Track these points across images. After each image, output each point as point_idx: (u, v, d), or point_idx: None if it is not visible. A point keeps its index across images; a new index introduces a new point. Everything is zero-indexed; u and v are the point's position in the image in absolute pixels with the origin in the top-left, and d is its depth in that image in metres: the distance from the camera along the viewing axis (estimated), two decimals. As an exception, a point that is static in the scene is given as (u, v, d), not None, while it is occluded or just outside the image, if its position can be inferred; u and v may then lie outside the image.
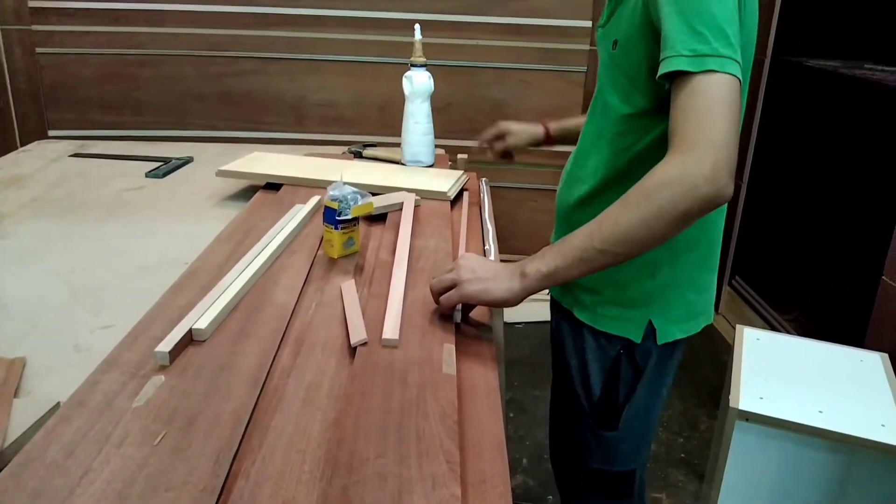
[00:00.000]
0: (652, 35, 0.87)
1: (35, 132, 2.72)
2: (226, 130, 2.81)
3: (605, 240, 0.84)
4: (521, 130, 1.43)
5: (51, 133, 2.74)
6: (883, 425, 1.30)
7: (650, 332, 1.04)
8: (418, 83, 1.60)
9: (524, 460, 2.13)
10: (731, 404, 1.35)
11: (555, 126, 1.41)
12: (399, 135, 1.70)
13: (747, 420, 1.35)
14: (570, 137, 1.37)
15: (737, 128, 0.81)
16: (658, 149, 0.93)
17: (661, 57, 0.83)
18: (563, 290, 1.14)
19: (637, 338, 1.05)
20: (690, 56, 0.80)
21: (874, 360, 1.54)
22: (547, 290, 1.00)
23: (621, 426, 1.09)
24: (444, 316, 0.96)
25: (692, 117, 0.80)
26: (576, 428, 1.15)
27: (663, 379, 1.10)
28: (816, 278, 2.41)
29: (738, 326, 1.64)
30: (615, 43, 0.96)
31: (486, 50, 2.72)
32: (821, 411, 1.34)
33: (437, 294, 0.95)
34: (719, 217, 1.06)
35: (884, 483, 1.41)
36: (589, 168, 1.04)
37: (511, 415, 2.35)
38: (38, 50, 2.68)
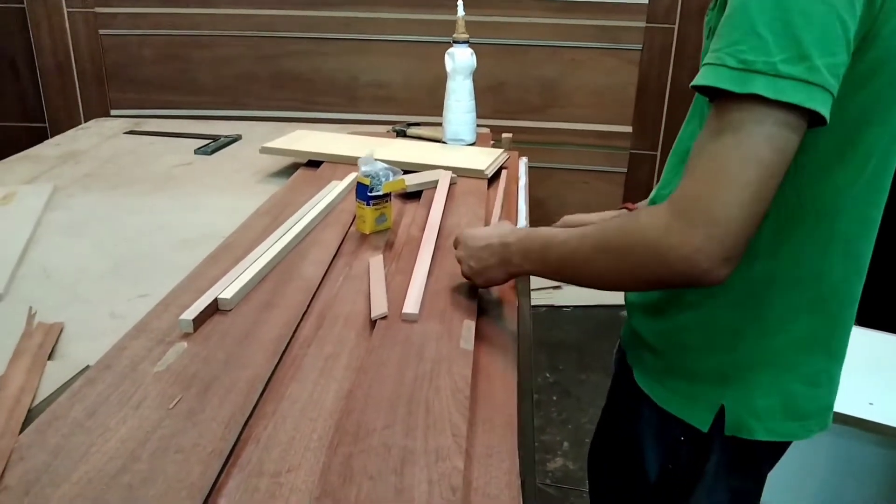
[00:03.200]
0: None
1: (98, 111, 2.82)
2: (278, 111, 2.86)
3: (577, 272, 0.76)
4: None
5: (112, 112, 2.83)
6: (939, 420, 1.24)
7: (720, 420, 0.80)
8: (460, 60, 1.59)
9: (565, 443, 2.11)
10: None
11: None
12: None
13: None
14: None
15: (762, 197, 0.60)
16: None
17: (703, 62, 0.64)
18: (629, 339, 0.93)
19: (704, 426, 0.81)
20: (735, 69, 0.59)
21: (934, 353, 1.46)
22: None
23: None
24: (471, 290, 0.96)
25: (700, 170, 0.62)
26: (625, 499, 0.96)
27: (744, 485, 0.86)
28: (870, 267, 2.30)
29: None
30: (711, 31, 0.72)
31: (537, 28, 2.67)
32: (871, 403, 1.28)
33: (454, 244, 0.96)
34: (853, 274, 0.79)
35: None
36: (672, 173, 0.86)
37: (554, 398, 2.33)
38: (101, 31, 2.77)
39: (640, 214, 0.68)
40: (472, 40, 1.62)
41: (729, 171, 0.59)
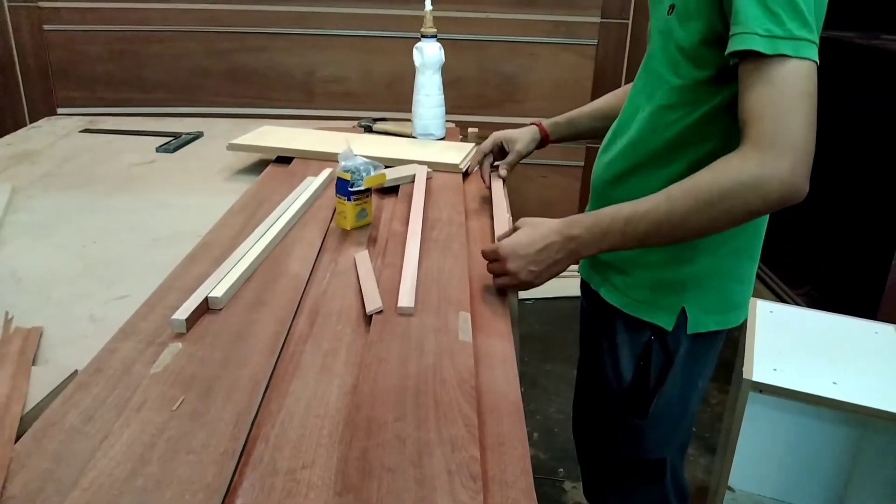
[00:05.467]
0: (715, 4, 0.83)
1: (44, 110, 2.71)
2: (234, 107, 2.80)
3: (671, 233, 0.84)
4: (523, 136, 1.31)
5: (60, 111, 2.73)
6: (898, 396, 1.30)
7: (682, 320, 0.99)
8: (429, 55, 1.59)
9: (535, 434, 2.14)
10: (745, 376, 1.35)
11: (550, 126, 1.32)
12: (408, 110, 1.69)
13: (761, 391, 1.34)
14: (565, 136, 1.31)
15: (814, 122, 0.77)
16: (706, 125, 0.91)
17: (732, 32, 0.79)
18: (592, 268, 1.11)
19: (668, 325, 1.00)
20: (764, 36, 0.76)
21: (888, 333, 1.53)
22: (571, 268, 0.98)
23: (651, 414, 1.05)
24: (461, 282, 0.96)
25: (770, 111, 0.76)
26: (605, 413, 1.12)
27: (697, 369, 1.05)
28: (828, 253, 2.40)
29: (751, 299, 1.63)
30: (672, 7, 0.91)
31: (495, 23, 2.69)
32: (835, 383, 1.33)
33: (486, 256, 0.97)
34: None
35: (897, 454, 1.41)
36: (629, 142, 1.00)
37: (522, 389, 2.35)
38: (46, 27, 2.67)
39: (728, 161, 0.80)
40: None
41: (793, 108, 0.76)
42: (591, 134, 1.30)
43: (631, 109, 1.03)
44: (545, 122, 1.32)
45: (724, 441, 1.49)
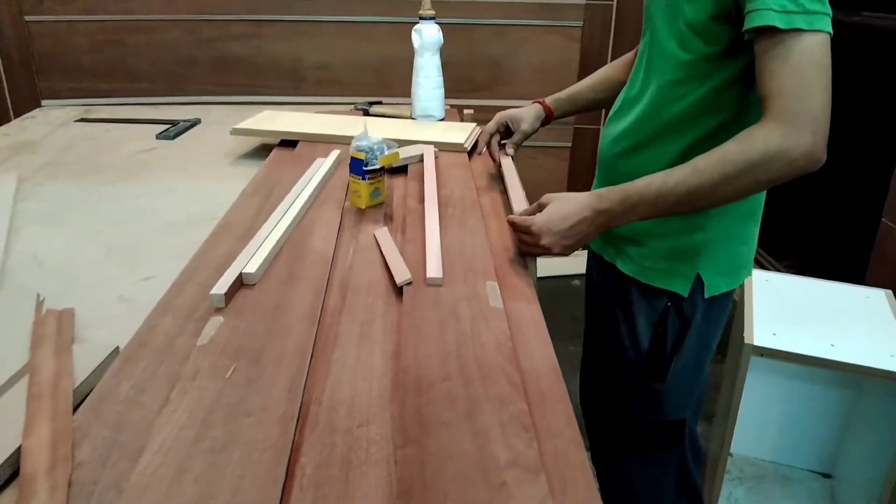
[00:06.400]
0: None
1: (28, 102, 2.68)
2: (221, 96, 2.79)
3: (698, 203, 0.88)
4: (528, 114, 1.32)
5: (44, 103, 2.70)
6: (892, 356, 1.35)
7: (698, 285, 1.03)
8: (428, 36, 1.60)
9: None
10: (746, 340, 1.40)
11: (553, 102, 1.33)
12: (397, 95, 1.71)
13: (762, 355, 1.39)
14: (568, 111, 1.33)
15: (830, 92, 0.81)
16: (715, 99, 0.94)
17: (748, 9, 0.83)
18: (603, 242, 1.14)
19: (684, 291, 1.04)
20: (780, 12, 0.80)
21: (879, 297, 1.59)
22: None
23: (670, 377, 1.08)
24: (483, 254, 0.99)
25: (790, 85, 0.80)
26: (622, 380, 1.14)
27: (711, 331, 1.09)
28: (813, 224, 2.47)
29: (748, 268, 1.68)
30: None
31: (482, 6, 2.71)
32: (832, 345, 1.39)
33: (518, 230, 1.00)
34: None
35: (891, 413, 1.47)
36: (637, 117, 1.03)
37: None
38: (27, 17, 2.63)
39: (753, 134, 0.83)
40: (415, 20, 1.63)
41: (812, 80, 0.80)
42: (593, 106, 1.34)
43: (637, 85, 1.06)
44: (547, 100, 1.35)
45: (726, 407, 1.54)
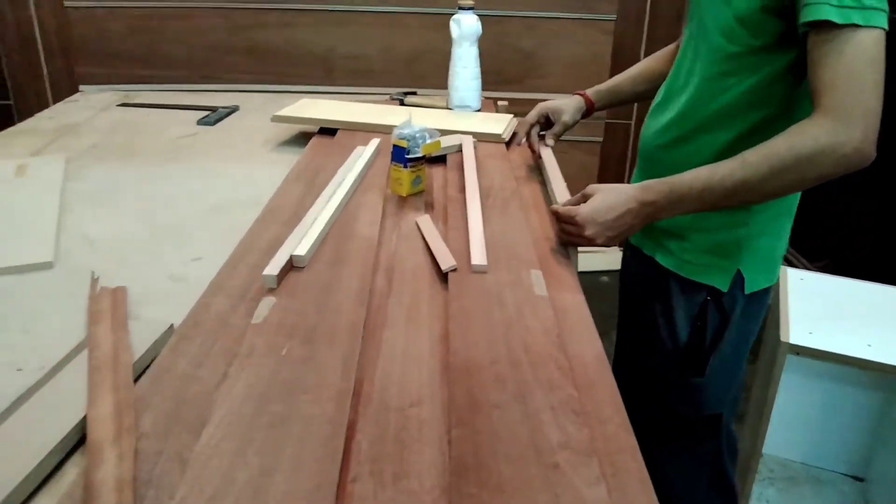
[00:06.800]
0: None
1: (66, 87, 2.73)
2: (254, 84, 2.81)
3: (744, 197, 0.88)
4: (569, 106, 1.31)
5: (81, 88, 2.74)
6: (930, 357, 1.34)
7: (738, 280, 1.03)
8: (466, 26, 1.61)
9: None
10: (782, 339, 1.39)
11: (594, 94, 1.33)
12: (429, 86, 1.71)
13: (798, 354, 1.39)
14: (609, 103, 1.33)
15: (882, 88, 0.81)
16: (762, 92, 0.94)
17: (804, 2, 0.82)
18: (644, 235, 1.14)
19: (724, 287, 1.04)
20: (836, 6, 0.79)
21: (916, 298, 1.58)
22: None
23: (708, 372, 1.08)
24: (526, 243, 1.00)
25: (843, 81, 0.80)
26: (659, 373, 1.14)
27: (750, 326, 1.09)
28: (845, 225, 2.44)
29: (781, 268, 1.67)
30: None
31: (513, -1, 2.70)
32: (869, 345, 1.38)
33: (562, 220, 1.00)
34: None
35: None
36: (681, 109, 1.03)
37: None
38: (67, 4, 2.67)
39: (803, 129, 0.83)
40: (451, 11, 1.63)
41: (865, 76, 0.80)
42: (634, 98, 1.33)
43: (682, 76, 1.05)
44: (588, 91, 1.35)
45: (759, 406, 1.53)
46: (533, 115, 1.35)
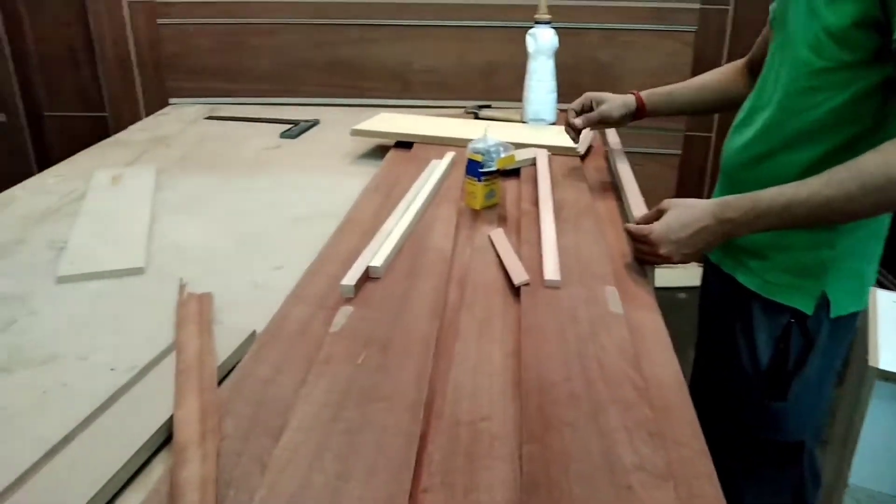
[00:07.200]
0: None
1: (157, 101, 2.87)
2: (332, 97, 2.88)
3: (829, 217, 0.86)
4: (613, 98, 1.29)
5: (171, 101, 2.88)
6: None
7: (823, 303, 1.00)
8: (543, 40, 1.62)
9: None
10: (871, 363, 1.32)
11: (647, 96, 1.28)
12: (504, 99, 1.72)
13: (887, 380, 1.32)
14: (662, 109, 1.28)
15: None
16: (851, 109, 0.90)
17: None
18: (723, 252, 1.11)
19: (809, 309, 1.00)
20: None
21: None
22: None
23: (791, 397, 1.05)
24: (601, 259, 0.99)
25: None
26: (739, 396, 1.10)
27: (837, 350, 1.05)
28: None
29: (870, 289, 1.59)
30: (811, 11, 0.90)
31: (594, 11, 2.68)
32: (968, 372, 1.29)
33: (635, 239, 0.99)
34: None
35: None
36: (765, 125, 1.00)
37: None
38: (160, 21, 2.82)
39: (894, 147, 0.81)
40: (527, 24, 1.63)
41: None
42: (690, 109, 1.30)
43: (765, 92, 1.02)
44: (642, 93, 1.30)
45: (844, 434, 1.46)
46: (578, 101, 1.33)
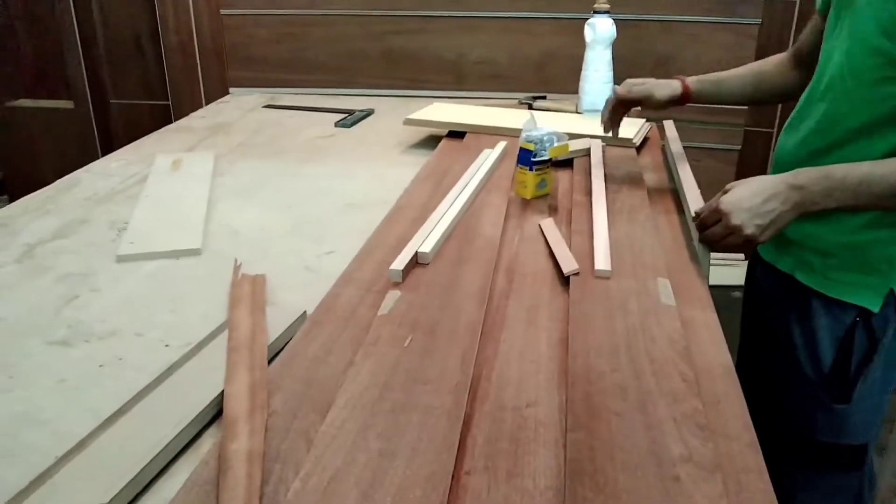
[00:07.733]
0: None
1: (217, 89, 2.94)
2: (387, 89, 2.90)
3: None
4: (659, 82, 1.22)
5: (231, 90, 2.95)
6: None
7: (890, 300, 0.96)
8: (601, 30, 1.59)
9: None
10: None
11: (694, 82, 1.21)
12: (558, 90, 1.70)
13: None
14: (708, 97, 1.22)
15: None
16: None
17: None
18: (778, 250, 1.07)
19: (875, 307, 0.96)
20: None
21: None
22: None
23: (855, 399, 1.00)
24: (654, 250, 0.98)
25: None
26: (799, 399, 1.06)
27: None
28: None
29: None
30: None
31: (651, 1, 2.63)
32: None
33: (703, 221, 0.95)
34: None
35: None
36: (826, 117, 0.96)
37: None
38: (223, 11, 2.88)
39: None
40: (582, 16, 1.60)
41: None
42: (739, 97, 1.24)
43: (822, 84, 0.98)
44: (689, 79, 1.23)
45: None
46: (626, 84, 1.24)
